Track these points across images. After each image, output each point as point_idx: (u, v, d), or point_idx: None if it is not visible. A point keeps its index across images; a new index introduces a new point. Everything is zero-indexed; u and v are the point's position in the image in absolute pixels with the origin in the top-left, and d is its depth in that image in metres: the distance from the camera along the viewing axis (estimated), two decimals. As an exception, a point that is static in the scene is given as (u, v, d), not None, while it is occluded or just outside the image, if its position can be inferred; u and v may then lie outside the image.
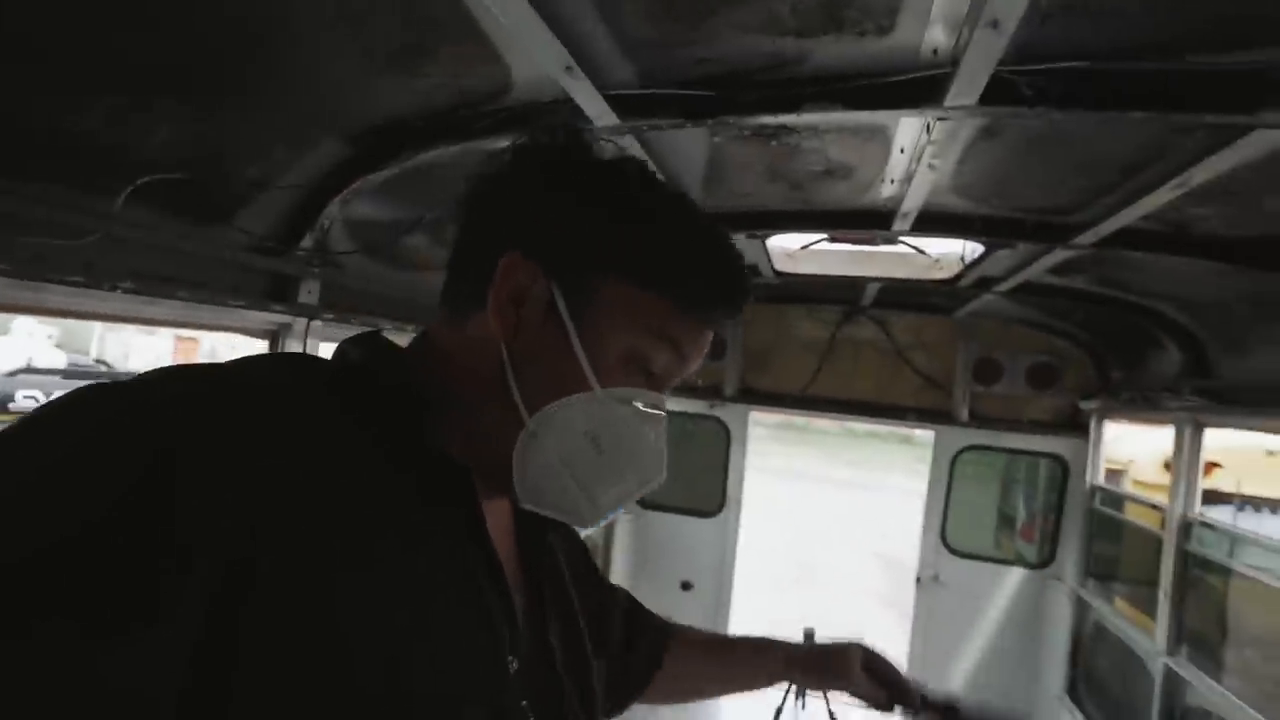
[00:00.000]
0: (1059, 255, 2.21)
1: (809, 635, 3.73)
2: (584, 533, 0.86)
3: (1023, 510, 4.35)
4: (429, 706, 0.46)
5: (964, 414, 4.06)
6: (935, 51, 1.13)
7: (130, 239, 1.30)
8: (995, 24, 0.93)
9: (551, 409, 0.55)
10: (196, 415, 0.42)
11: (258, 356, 0.54)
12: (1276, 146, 1.21)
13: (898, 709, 0.91)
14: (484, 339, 0.57)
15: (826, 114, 1.25)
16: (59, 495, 0.37)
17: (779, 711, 4.46)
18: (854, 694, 0.91)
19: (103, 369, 14.46)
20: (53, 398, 0.44)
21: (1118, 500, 3.81)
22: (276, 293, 1.73)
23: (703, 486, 4.62)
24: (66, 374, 11.59)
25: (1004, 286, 2.83)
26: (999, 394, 4.05)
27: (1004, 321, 3.90)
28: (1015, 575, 4.11)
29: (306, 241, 1.70)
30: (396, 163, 1.57)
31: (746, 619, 6.20)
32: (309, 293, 1.79)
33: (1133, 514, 3.63)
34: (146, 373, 0.46)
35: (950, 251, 2.68)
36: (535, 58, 1.15)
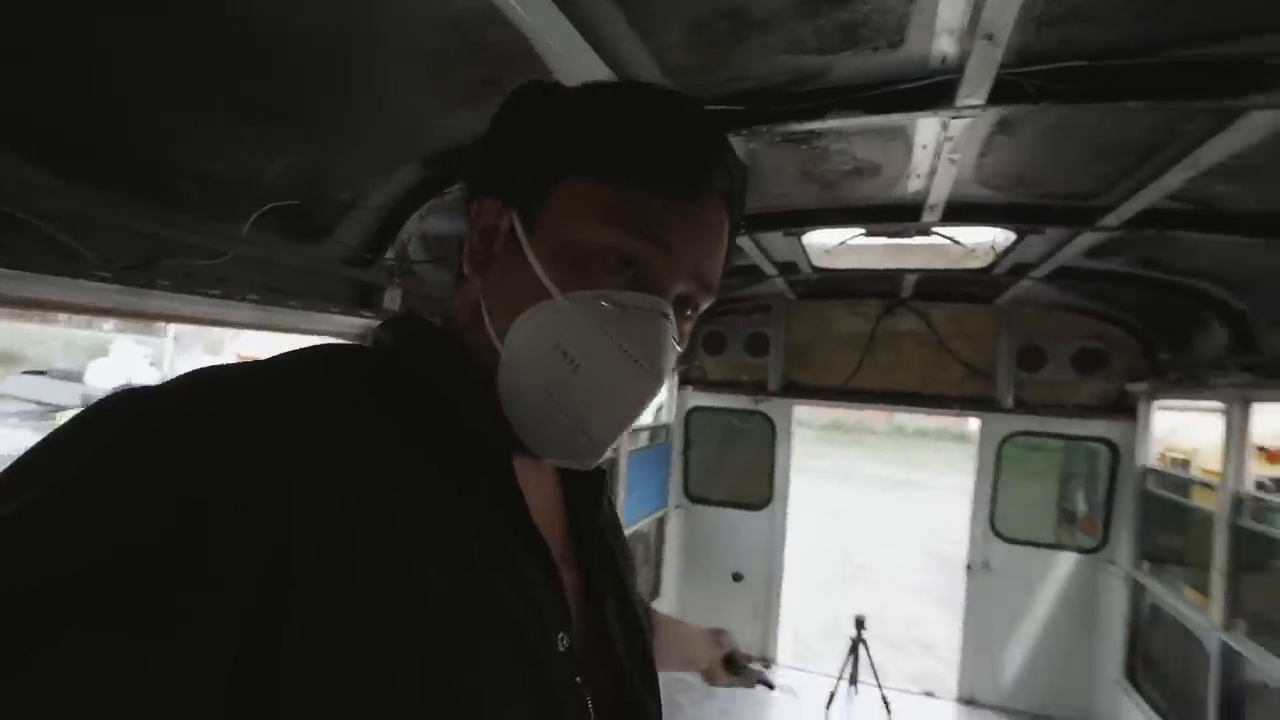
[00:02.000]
0: (1089, 238, 2.30)
1: (859, 622, 3.82)
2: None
3: (1083, 504, 4.33)
4: (474, 704, 0.44)
5: (1009, 401, 4.09)
6: (944, 59, 1.27)
7: (254, 257, 1.54)
8: (990, 36, 1.07)
9: (515, 325, 0.52)
10: (232, 430, 0.41)
11: (294, 354, 0.51)
12: (1272, 127, 1.31)
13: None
14: (468, 291, 0.57)
15: (848, 119, 1.40)
16: (88, 517, 0.36)
17: (832, 697, 4.56)
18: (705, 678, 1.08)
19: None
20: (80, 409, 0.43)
21: (1171, 482, 3.78)
22: (364, 300, 1.96)
23: (750, 481, 4.75)
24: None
25: (1040, 272, 2.89)
26: (1044, 380, 4.07)
27: (1046, 308, 3.93)
28: (1067, 560, 4.12)
29: (389, 255, 1.93)
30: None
31: (800, 615, 6.29)
32: (391, 299, 2.02)
33: (1186, 495, 3.61)
34: (178, 377, 0.45)
35: (983, 240, 2.76)
36: (590, 85, 1.34)
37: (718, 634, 1.08)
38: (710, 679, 1.07)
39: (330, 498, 0.42)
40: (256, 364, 0.48)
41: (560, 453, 0.55)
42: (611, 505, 0.75)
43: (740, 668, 1.07)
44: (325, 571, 0.40)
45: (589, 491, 0.65)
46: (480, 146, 0.58)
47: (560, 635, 0.52)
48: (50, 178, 1.19)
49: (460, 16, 1.17)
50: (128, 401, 0.42)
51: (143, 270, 1.33)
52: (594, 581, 0.60)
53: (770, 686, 1.09)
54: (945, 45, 1.23)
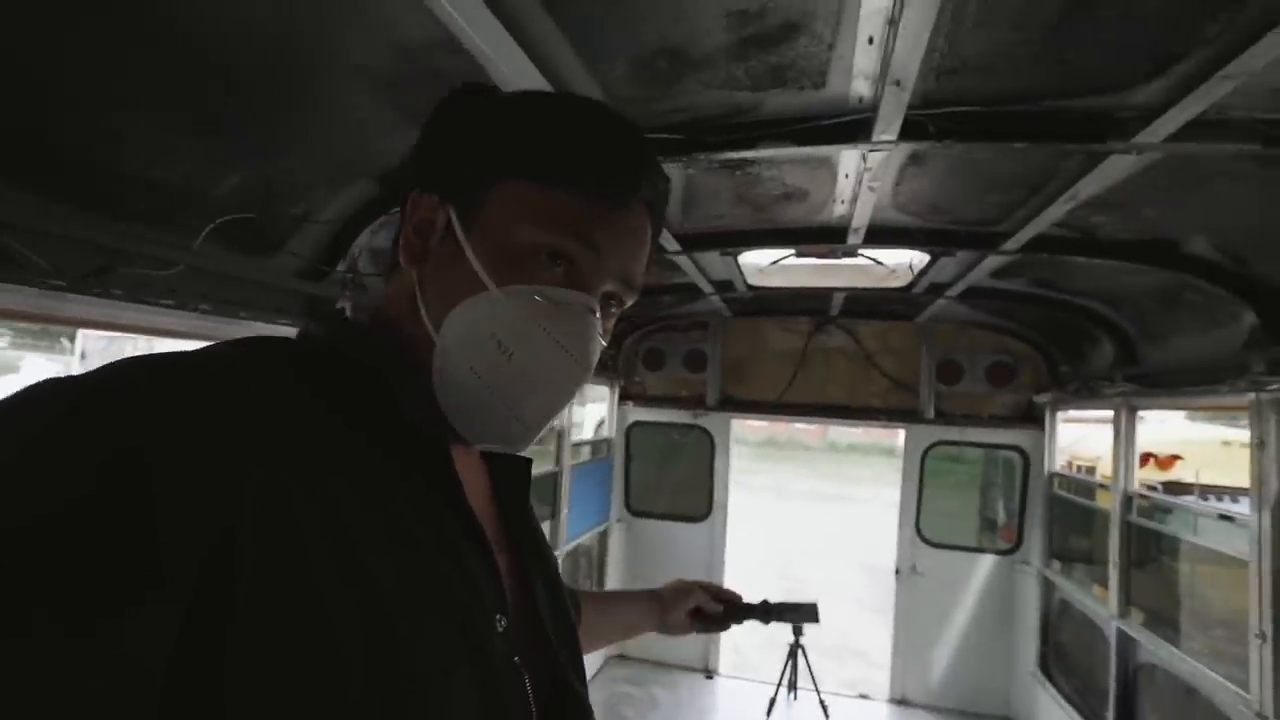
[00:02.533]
0: (993, 261, 2.55)
1: (797, 630, 3.85)
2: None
3: (1002, 512, 4.64)
4: (418, 676, 0.45)
5: (930, 412, 4.38)
6: (860, 100, 1.44)
7: (206, 269, 1.56)
8: (898, 82, 1.24)
9: (453, 314, 0.54)
10: (162, 403, 0.41)
11: (222, 343, 0.50)
12: (1131, 168, 1.54)
13: (732, 624, 1.08)
14: (403, 284, 0.58)
15: (778, 149, 1.55)
16: (10, 493, 0.36)
17: (772, 703, 4.69)
18: (697, 628, 1.06)
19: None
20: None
21: (1072, 485, 4.13)
22: (315, 313, 1.98)
23: (690, 494, 4.88)
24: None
25: (953, 291, 3.16)
26: (962, 392, 4.39)
27: (961, 324, 4.26)
28: (986, 562, 4.41)
29: (341, 268, 1.96)
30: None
31: (739, 629, 6.41)
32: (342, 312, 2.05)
33: (1079, 495, 3.96)
34: (106, 365, 0.44)
35: (902, 261, 3.00)
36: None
37: (662, 593, 1.07)
38: (678, 631, 1.06)
39: (270, 473, 0.42)
40: (188, 351, 0.48)
41: (493, 438, 0.58)
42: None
43: (712, 617, 1.04)
44: (270, 549, 0.40)
45: (516, 479, 0.68)
46: (418, 144, 0.60)
47: (498, 617, 0.54)
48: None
49: (415, 43, 1.23)
50: (52, 384, 0.41)
51: (96, 278, 1.33)
52: (524, 565, 0.63)
53: (765, 618, 1.07)
54: (862, 88, 1.39)
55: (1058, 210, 1.87)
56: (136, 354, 0.49)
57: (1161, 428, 7.31)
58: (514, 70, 1.25)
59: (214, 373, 0.46)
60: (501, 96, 0.61)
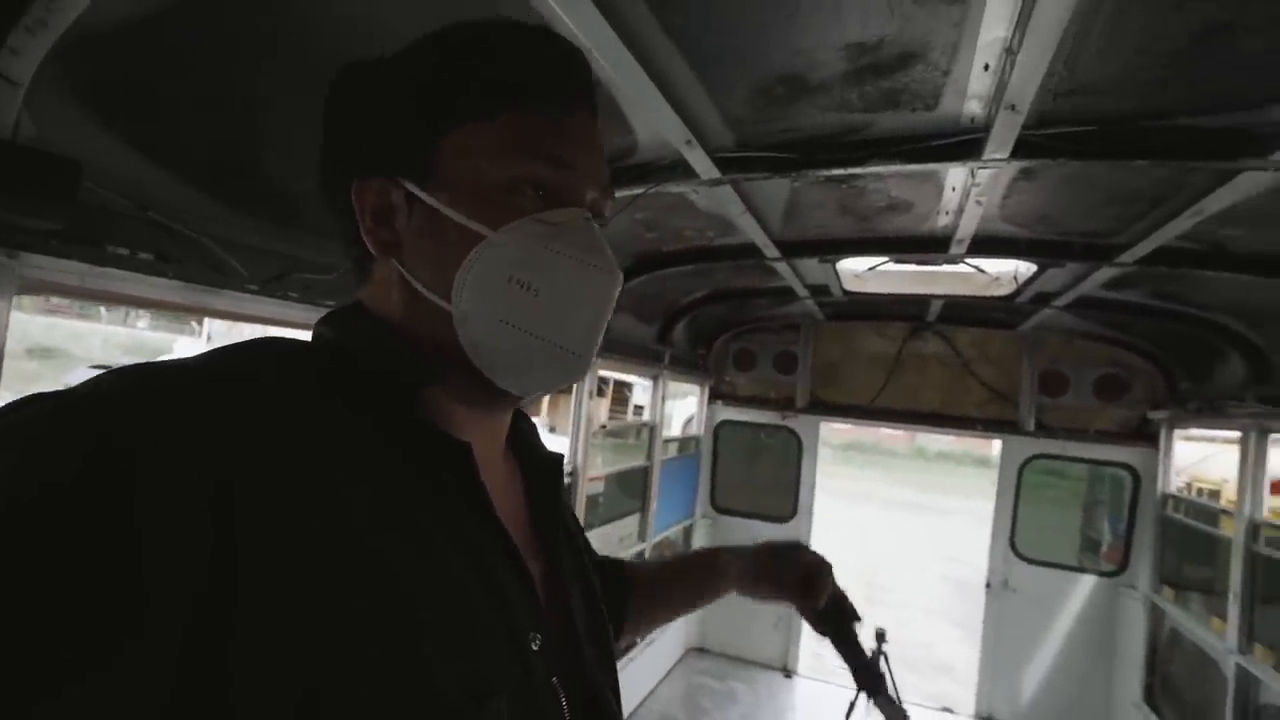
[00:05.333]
0: (1107, 272, 2.46)
1: (880, 635, 3.87)
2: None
3: (1107, 532, 4.41)
4: (449, 706, 0.42)
5: (1030, 424, 4.21)
6: (972, 120, 1.46)
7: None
8: (1013, 107, 1.26)
9: (460, 276, 0.51)
10: (154, 404, 0.38)
11: (228, 345, 0.48)
12: (1270, 184, 1.48)
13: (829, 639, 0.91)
14: (386, 278, 0.54)
15: (887, 166, 1.59)
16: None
17: (852, 707, 4.66)
18: (796, 607, 0.91)
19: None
20: None
21: (1190, 509, 3.87)
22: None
23: (776, 494, 4.90)
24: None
25: (1061, 301, 3.05)
26: (1066, 405, 4.19)
27: (1068, 335, 4.06)
28: (1087, 582, 4.20)
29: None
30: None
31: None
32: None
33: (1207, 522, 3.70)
34: (108, 370, 0.42)
35: (1006, 270, 2.92)
36: (662, 133, 1.55)
37: (748, 559, 0.94)
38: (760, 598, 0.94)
39: (271, 483, 0.39)
40: (192, 356, 0.46)
41: (545, 381, 0.55)
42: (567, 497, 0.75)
43: (834, 619, 0.88)
44: (273, 567, 0.37)
45: (548, 477, 0.65)
46: (329, 137, 0.57)
47: (533, 634, 0.51)
48: (212, 203, 1.43)
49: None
50: (33, 395, 0.38)
51: (276, 283, 1.56)
52: (558, 570, 0.60)
53: (855, 670, 0.89)
54: (974, 108, 1.42)
55: (1183, 224, 1.80)
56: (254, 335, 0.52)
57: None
58: (641, 95, 1.36)
59: (214, 376, 0.43)
60: (392, 59, 0.56)
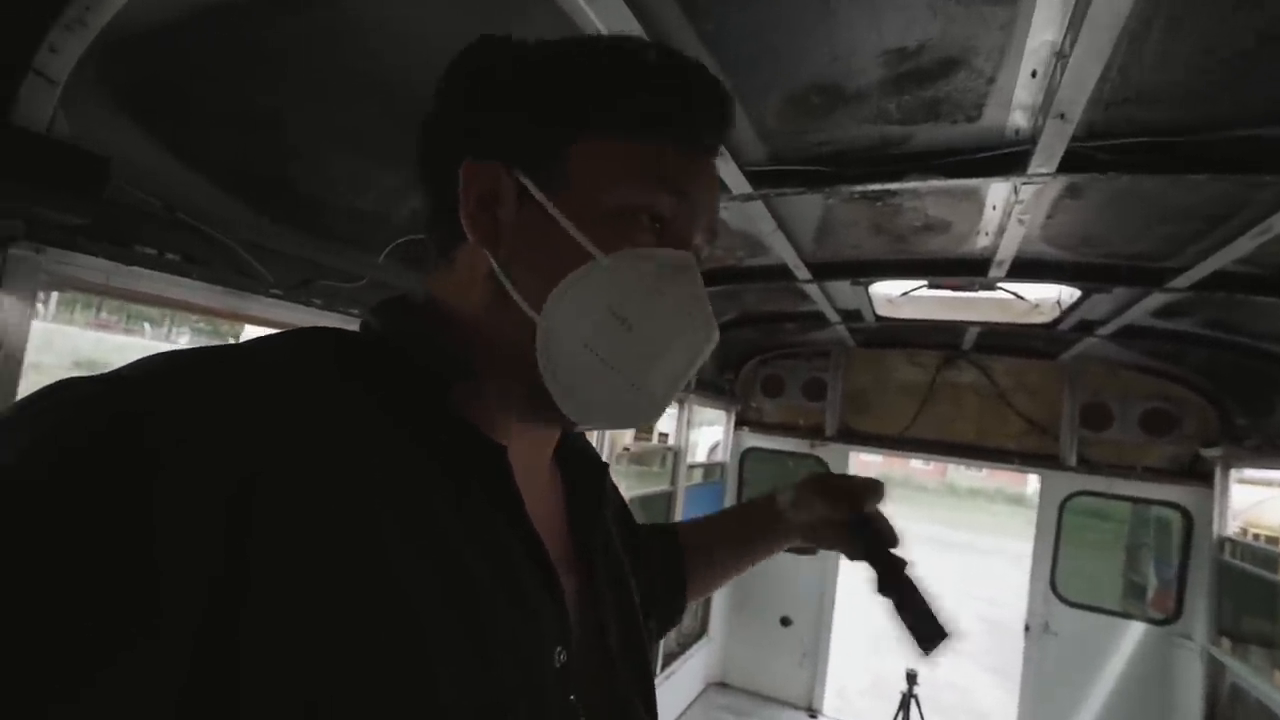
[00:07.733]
0: (1158, 298, 2.34)
1: (911, 676, 3.65)
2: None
3: (1153, 577, 4.15)
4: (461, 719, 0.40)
5: (1072, 459, 4.02)
6: (1017, 132, 1.40)
7: (386, 282, 1.76)
8: (1062, 116, 1.20)
9: (558, 292, 0.48)
10: (178, 385, 0.37)
11: (272, 335, 0.47)
12: (1343, 200, 1.38)
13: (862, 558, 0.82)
14: (473, 266, 0.52)
15: (925, 182, 1.54)
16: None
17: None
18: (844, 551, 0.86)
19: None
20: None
21: (1252, 554, 3.63)
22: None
23: (801, 525, 4.75)
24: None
25: (1106, 330, 2.92)
26: (1110, 439, 4.00)
27: (1111, 366, 3.89)
28: (1135, 630, 3.95)
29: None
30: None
31: (845, 671, 6.16)
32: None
33: (1259, 566, 3.47)
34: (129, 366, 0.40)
35: (1048, 296, 2.82)
36: (693, 146, 1.52)
37: (784, 500, 0.88)
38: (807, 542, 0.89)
39: (289, 479, 0.37)
40: (230, 344, 0.44)
41: (610, 417, 0.53)
42: (616, 490, 0.72)
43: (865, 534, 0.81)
44: (294, 563, 0.36)
45: (591, 487, 0.62)
46: (446, 107, 0.54)
47: (558, 650, 0.49)
48: (240, 207, 1.43)
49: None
50: (86, 380, 0.38)
51: (301, 289, 1.55)
52: (595, 586, 0.57)
53: (896, 597, 0.76)
54: (1020, 119, 1.36)
55: (1246, 245, 1.70)
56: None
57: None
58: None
59: (254, 365, 0.42)
60: (536, 48, 0.53)
